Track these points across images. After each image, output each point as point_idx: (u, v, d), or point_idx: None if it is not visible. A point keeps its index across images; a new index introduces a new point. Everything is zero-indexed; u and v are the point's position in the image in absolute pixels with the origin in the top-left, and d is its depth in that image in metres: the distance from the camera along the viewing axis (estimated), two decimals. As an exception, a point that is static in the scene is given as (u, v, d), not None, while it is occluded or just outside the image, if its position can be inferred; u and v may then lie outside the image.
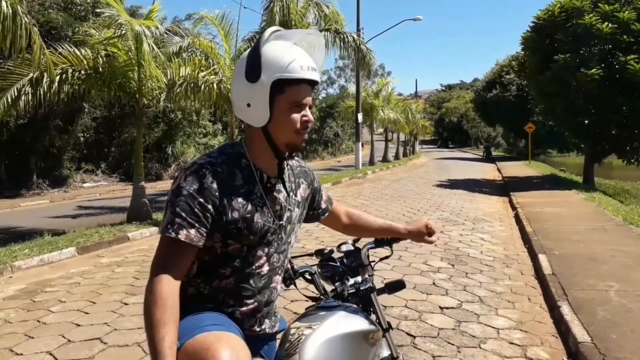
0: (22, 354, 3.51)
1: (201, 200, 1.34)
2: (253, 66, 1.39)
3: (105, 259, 6.55)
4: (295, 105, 1.42)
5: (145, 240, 7.77)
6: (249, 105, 1.41)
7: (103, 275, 5.64)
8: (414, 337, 3.74)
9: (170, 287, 1.28)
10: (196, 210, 1.34)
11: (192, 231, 1.33)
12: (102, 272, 5.79)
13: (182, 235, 1.32)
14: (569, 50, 14.71)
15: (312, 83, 1.45)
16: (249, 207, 1.42)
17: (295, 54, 1.41)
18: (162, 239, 1.35)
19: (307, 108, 1.45)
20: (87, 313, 4.36)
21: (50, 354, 3.50)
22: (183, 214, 1.33)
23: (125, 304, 4.59)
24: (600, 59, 14.39)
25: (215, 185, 1.36)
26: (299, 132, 1.44)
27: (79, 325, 4.07)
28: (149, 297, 1.27)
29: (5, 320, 4.22)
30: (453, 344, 3.63)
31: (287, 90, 1.40)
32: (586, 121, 15.53)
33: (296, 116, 1.43)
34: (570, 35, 14.84)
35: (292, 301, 4.33)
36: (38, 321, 4.18)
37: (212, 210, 1.36)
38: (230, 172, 1.41)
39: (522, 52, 19.88)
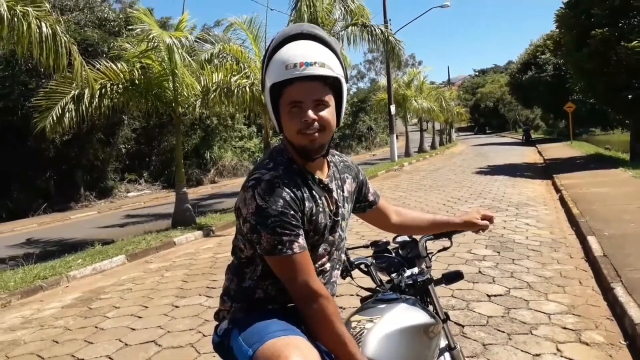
0: (83, 359, 3.68)
1: (292, 212, 1.37)
2: (262, 76, 1.45)
3: (153, 264, 6.76)
4: (293, 106, 1.39)
5: (190, 244, 7.97)
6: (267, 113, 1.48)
7: (153, 280, 5.83)
8: (463, 326, 3.71)
9: (331, 298, 1.41)
10: (293, 222, 1.38)
11: (300, 240, 1.39)
12: (151, 277, 5.98)
13: (297, 247, 1.37)
14: (606, 24, 14.14)
15: (317, 78, 1.38)
16: (314, 209, 1.45)
17: (285, 55, 1.39)
18: (283, 260, 1.38)
19: (309, 109, 1.38)
20: (140, 317, 4.52)
21: (110, 358, 3.65)
22: (287, 231, 1.36)
23: (176, 306, 4.73)
24: (641, 30, 13.79)
25: (292, 195, 1.39)
26: (301, 132, 1.39)
27: (134, 329, 4.23)
28: (326, 312, 1.36)
29: (66, 328, 4.42)
30: (503, 331, 3.58)
31: (284, 92, 1.39)
32: (629, 96, 14.90)
33: (296, 117, 1.39)
34: (607, 8, 14.26)
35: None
36: (95, 327, 4.36)
37: (300, 217, 1.40)
38: (292, 180, 1.43)
39: (557, 30, 19.26)
